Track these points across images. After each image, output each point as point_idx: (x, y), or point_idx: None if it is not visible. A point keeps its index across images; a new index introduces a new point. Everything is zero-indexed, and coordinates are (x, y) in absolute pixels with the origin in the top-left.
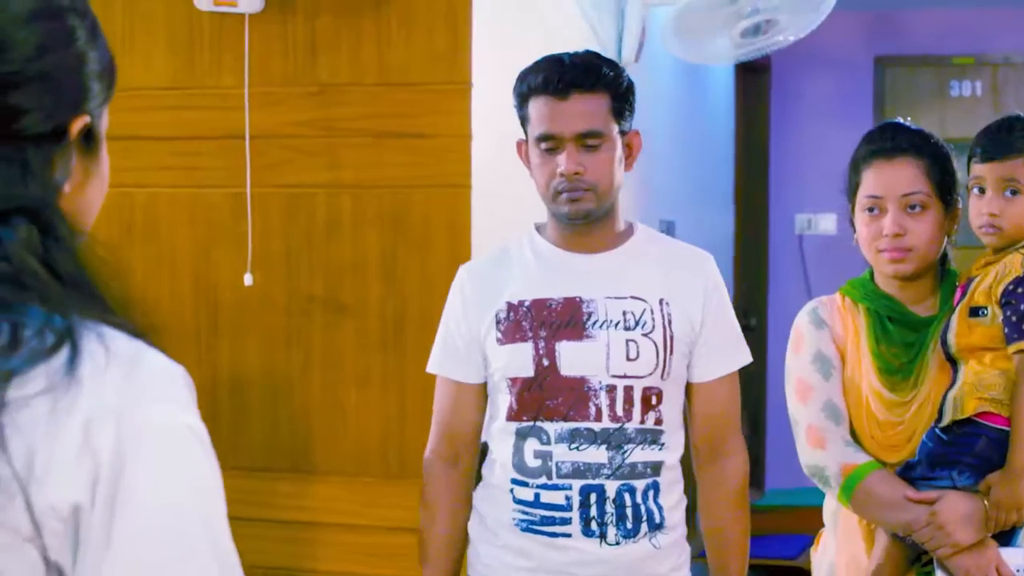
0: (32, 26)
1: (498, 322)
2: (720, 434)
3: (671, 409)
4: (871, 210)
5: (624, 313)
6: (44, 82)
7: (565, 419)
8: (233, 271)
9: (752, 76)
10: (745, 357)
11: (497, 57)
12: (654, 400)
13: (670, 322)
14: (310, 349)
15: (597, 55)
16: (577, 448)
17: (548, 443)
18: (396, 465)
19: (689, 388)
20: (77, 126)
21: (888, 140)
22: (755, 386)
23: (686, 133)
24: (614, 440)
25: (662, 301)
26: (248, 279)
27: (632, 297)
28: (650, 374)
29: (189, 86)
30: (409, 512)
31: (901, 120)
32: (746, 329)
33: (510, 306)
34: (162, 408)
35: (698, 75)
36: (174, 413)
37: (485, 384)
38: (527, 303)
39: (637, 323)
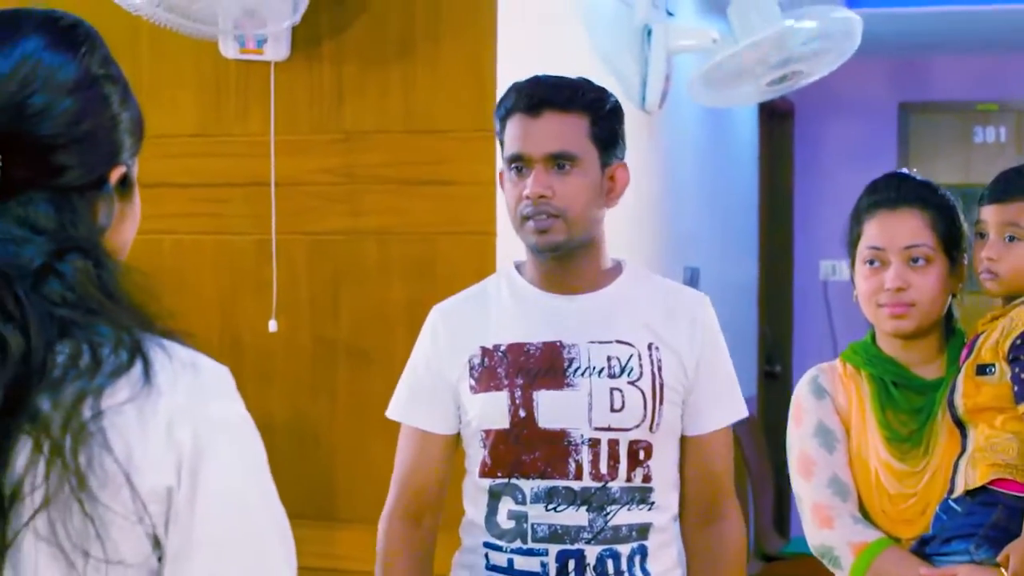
0: (74, 96)
1: (471, 368)
2: (714, 494)
3: (662, 465)
4: (871, 262)
5: (609, 359)
6: (84, 143)
7: (542, 476)
8: (258, 318)
9: (776, 121)
10: (741, 410)
11: None
12: (642, 455)
13: (660, 368)
14: (335, 396)
15: (584, 80)
16: (554, 509)
17: (523, 503)
18: None
19: (682, 442)
20: (115, 176)
21: (892, 190)
22: (780, 432)
23: (710, 179)
24: (596, 501)
25: (651, 346)
26: (273, 325)
27: (618, 342)
28: (637, 426)
29: (215, 133)
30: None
31: (907, 171)
32: (770, 376)
33: (484, 351)
34: (222, 403)
35: (722, 121)
36: (231, 406)
37: (454, 436)
38: (503, 348)
39: (623, 370)
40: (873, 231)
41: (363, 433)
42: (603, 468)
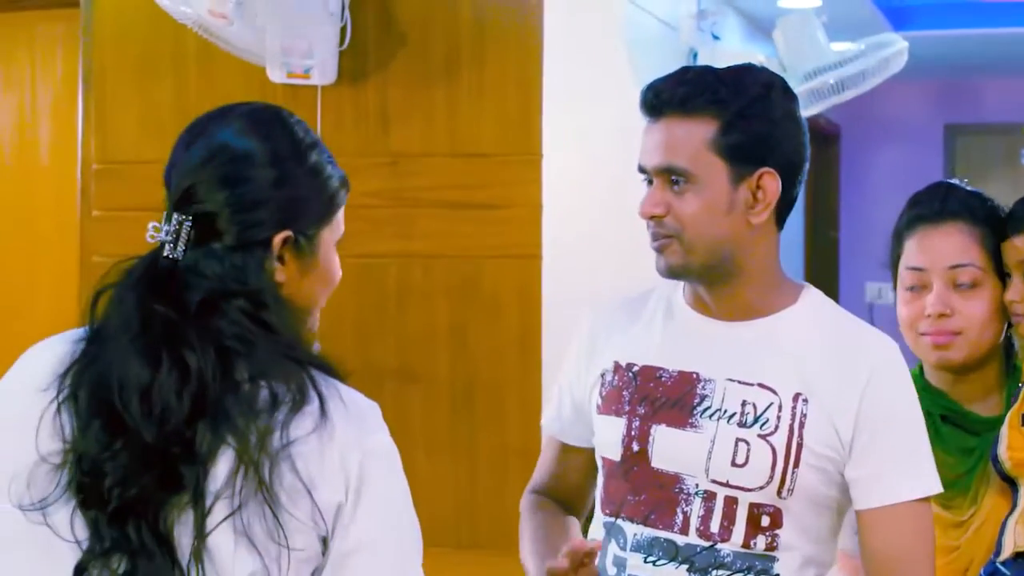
0: (264, 170)
1: (602, 384)
2: None
3: (798, 537)
4: (912, 287)
5: (744, 404)
6: (240, 214)
7: (644, 523)
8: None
9: (823, 144)
10: (929, 484)
11: (568, 127)
12: (766, 521)
13: (802, 425)
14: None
15: (733, 71)
16: (653, 563)
17: (624, 548)
18: (468, 535)
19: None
20: (277, 240)
21: (936, 202)
22: None
23: None
24: (700, 562)
25: (798, 397)
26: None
27: (760, 385)
28: (760, 487)
29: None
30: None
31: (955, 181)
32: None
33: (617, 368)
34: (379, 436)
35: None
36: (384, 438)
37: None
38: (636, 368)
39: (756, 420)
40: (913, 250)
41: (409, 455)
42: (714, 527)
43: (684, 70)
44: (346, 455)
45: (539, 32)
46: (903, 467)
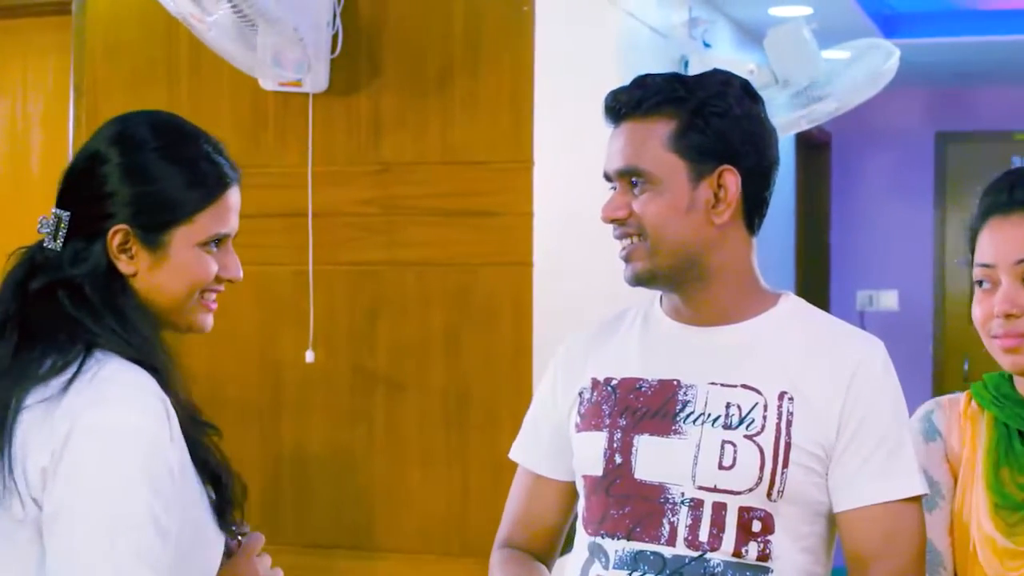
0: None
1: (580, 403)
2: None
3: (791, 543)
4: (981, 283)
5: (728, 406)
6: (76, 209)
7: (628, 537)
8: (296, 348)
9: (813, 152)
10: (909, 485)
11: (559, 135)
12: (757, 527)
13: (789, 424)
14: (373, 426)
15: (703, 73)
16: None
17: (607, 567)
18: (459, 544)
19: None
20: (110, 234)
21: (1004, 192)
22: None
23: None
24: (688, 573)
25: (783, 396)
26: (310, 356)
27: (743, 386)
28: (750, 490)
29: (253, 165)
30: None
31: None
32: None
33: (595, 384)
34: (105, 411)
35: None
36: (111, 414)
37: (572, 484)
38: (615, 382)
39: (742, 421)
40: (984, 244)
41: (401, 463)
42: (702, 535)
43: (643, 76)
44: (60, 423)
45: (531, 40)
46: (878, 468)
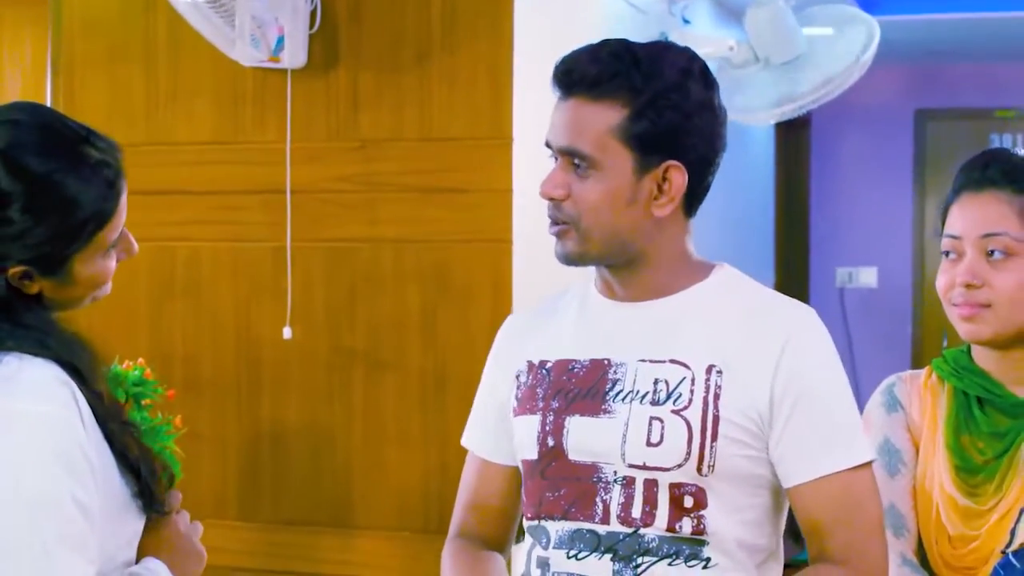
0: None
1: (518, 387)
2: (815, 556)
3: (727, 518)
4: (947, 254)
5: (656, 382)
6: None
7: (565, 517)
8: (274, 325)
9: (792, 131)
10: (855, 454)
11: (538, 112)
12: (689, 502)
13: (716, 397)
14: (351, 403)
15: (649, 50)
16: (575, 557)
17: (547, 547)
18: (436, 520)
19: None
20: (10, 275)
21: (978, 169)
22: None
23: (726, 188)
24: (623, 549)
25: (711, 369)
26: (287, 332)
27: (672, 361)
28: (678, 466)
29: (231, 141)
30: None
31: (1005, 148)
32: None
33: (530, 367)
34: (10, 401)
35: (738, 130)
36: (24, 403)
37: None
38: (549, 364)
39: (669, 396)
40: (953, 216)
41: (379, 440)
42: (635, 512)
43: (600, 45)
44: None
45: (510, 16)
46: (823, 440)
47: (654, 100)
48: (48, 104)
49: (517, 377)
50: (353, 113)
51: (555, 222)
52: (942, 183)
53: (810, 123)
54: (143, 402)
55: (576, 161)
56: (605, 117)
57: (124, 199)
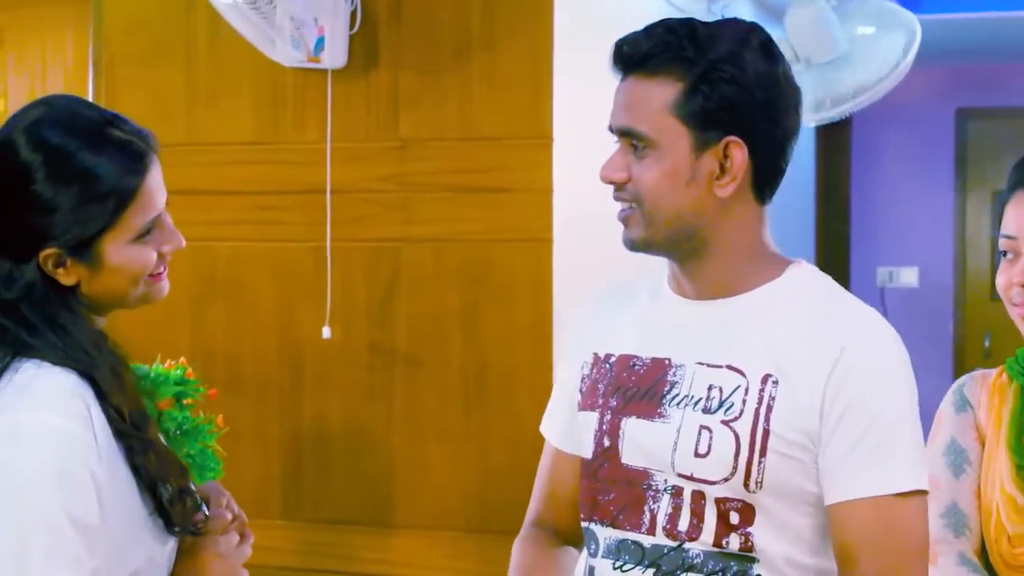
0: (18, 191)
1: (583, 378)
2: None
3: (778, 536)
4: (1004, 254)
5: (710, 388)
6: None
7: (613, 524)
8: (314, 325)
9: (832, 130)
10: (901, 479)
11: (578, 111)
12: (735, 518)
13: (769, 409)
14: (391, 402)
15: (721, 23)
16: (620, 568)
17: (595, 555)
18: (477, 519)
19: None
20: (42, 258)
21: None
22: None
23: None
24: (667, 564)
25: (767, 378)
26: (327, 332)
27: (728, 367)
28: (724, 479)
29: (272, 141)
30: (490, 566)
31: None
32: None
33: (596, 359)
34: (13, 416)
35: None
36: (19, 418)
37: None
38: (613, 358)
39: (721, 405)
40: (1009, 216)
41: (419, 438)
42: (681, 525)
43: (657, 22)
44: None
45: (550, 15)
46: (865, 459)
47: (708, 72)
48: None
49: (583, 368)
50: (393, 113)
51: (621, 204)
52: (983, 183)
53: (851, 122)
54: (185, 401)
55: (635, 142)
56: (660, 94)
57: (154, 183)
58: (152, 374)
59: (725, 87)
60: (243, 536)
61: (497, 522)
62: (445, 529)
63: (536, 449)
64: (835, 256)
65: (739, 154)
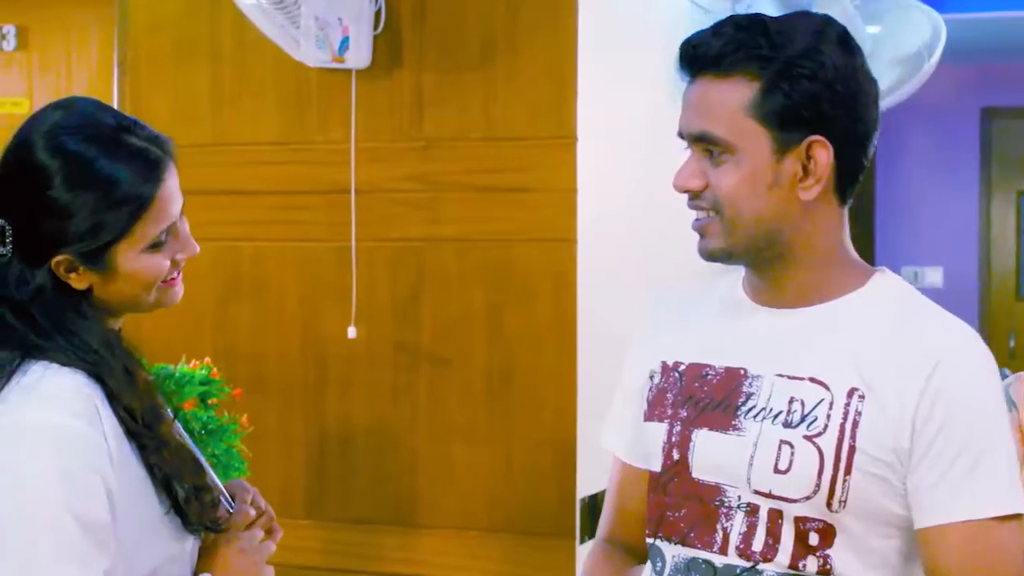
0: (34, 196)
1: (650, 387)
2: None
3: (858, 559)
4: None
5: (791, 401)
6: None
7: (683, 542)
8: (339, 325)
9: None
10: (1002, 502)
11: (602, 111)
12: (814, 539)
13: (855, 425)
14: (415, 402)
15: (793, 17)
16: None
17: (662, 573)
18: (501, 518)
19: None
20: (54, 264)
21: None
22: None
23: None
24: None
25: (853, 392)
26: (352, 332)
27: (811, 380)
28: (806, 498)
29: (296, 141)
30: (514, 566)
31: None
32: None
33: (664, 367)
34: (17, 414)
35: None
36: (24, 417)
37: None
38: (683, 367)
39: (803, 419)
40: None
41: (444, 439)
42: (756, 545)
43: (726, 19)
44: None
45: (573, 15)
46: (959, 482)
47: (786, 69)
48: (115, 104)
49: (651, 377)
50: (417, 113)
51: (698, 212)
52: (1009, 182)
53: None
54: (210, 401)
55: (709, 147)
56: (735, 94)
57: (169, 192)
58: (177, 374)
59: (806, 83)
60: (271, 531)
61: (520, 522)
62: (469, 528)
63: (559, 446)
64: (860, 255)
65: (824, 154)
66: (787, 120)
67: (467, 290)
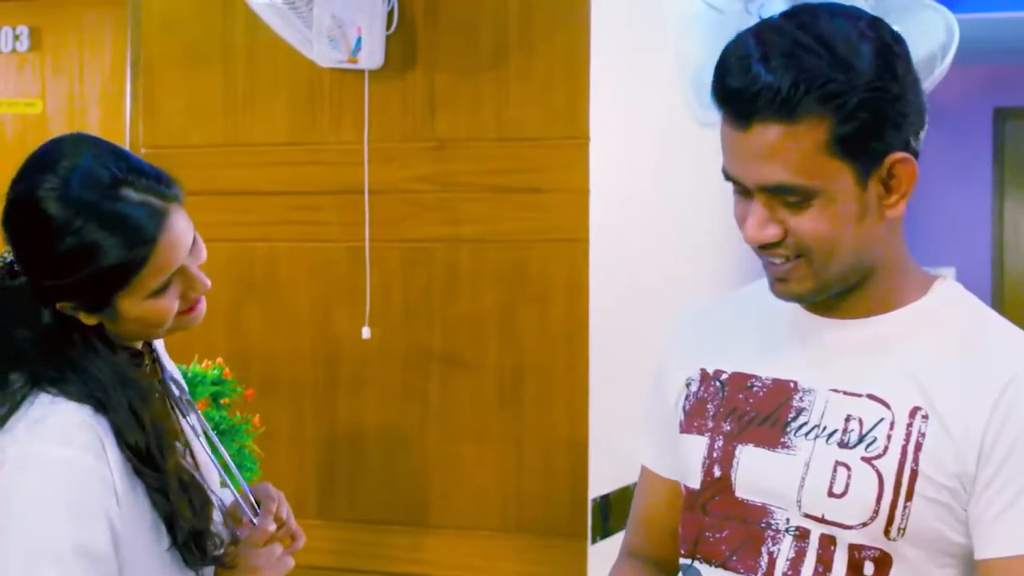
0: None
1: (687, 396)
2: None
3: None
4: None
5: (848, 419)
6: (29, 273)
7: (724, 566)
8: (352, 325)
9: None
10: None
11: (615, 111)
12: (870, 569)
13: (918, 448)
14: (428, 403)
15: (836, 36)
16: None
17: None
18: (513, 519)
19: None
20: (61, 308)
21: None
22: None
23: None
24: None
25: (916, 412)
26: (366, 332)
27: (870, 397)
28: (863, 524)
29: (309, 142)
30: (525, 566)
31: None
32: None
33: (703, 376)
34: (29, 447)
35: None
36: (35, 449)
37: None
38: (725, 376)
39: (861, 439)
40: None
41: (456, 440)
42: (805, 572)
43: (770, 49)
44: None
45: (586, 15)
46: None
47: (866, 101)
48: (127, 105)
49: (688, 385)
50: (430, 113)
51: (778, 261)
52: (1022, 182)
53: None
54: (222, 401)
55: (786, 199)
56: (809, 137)
57: (170, 241)
58: (189, 374)
59: (883, 105)
60: (294, 537)
61: (532, 522)
62: (480, 529)
63: (572, 448)
64: None
65: (907, 169)
66: (871, 147)
67: (480, 290)
